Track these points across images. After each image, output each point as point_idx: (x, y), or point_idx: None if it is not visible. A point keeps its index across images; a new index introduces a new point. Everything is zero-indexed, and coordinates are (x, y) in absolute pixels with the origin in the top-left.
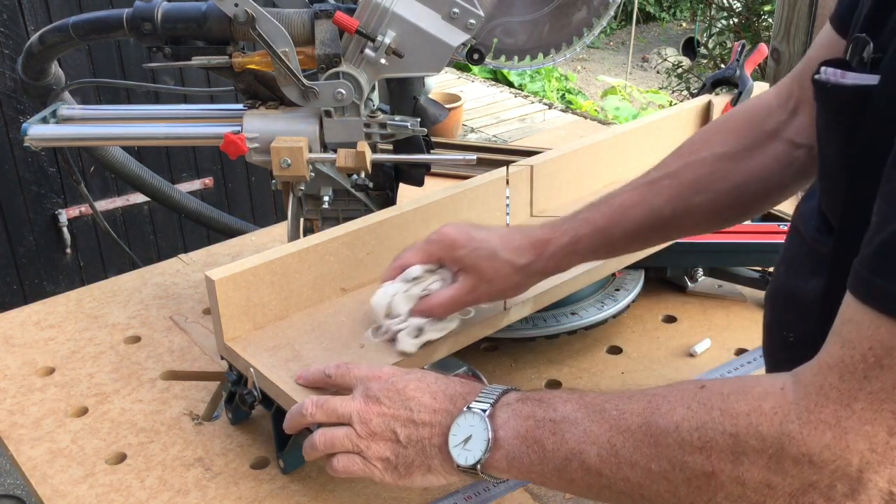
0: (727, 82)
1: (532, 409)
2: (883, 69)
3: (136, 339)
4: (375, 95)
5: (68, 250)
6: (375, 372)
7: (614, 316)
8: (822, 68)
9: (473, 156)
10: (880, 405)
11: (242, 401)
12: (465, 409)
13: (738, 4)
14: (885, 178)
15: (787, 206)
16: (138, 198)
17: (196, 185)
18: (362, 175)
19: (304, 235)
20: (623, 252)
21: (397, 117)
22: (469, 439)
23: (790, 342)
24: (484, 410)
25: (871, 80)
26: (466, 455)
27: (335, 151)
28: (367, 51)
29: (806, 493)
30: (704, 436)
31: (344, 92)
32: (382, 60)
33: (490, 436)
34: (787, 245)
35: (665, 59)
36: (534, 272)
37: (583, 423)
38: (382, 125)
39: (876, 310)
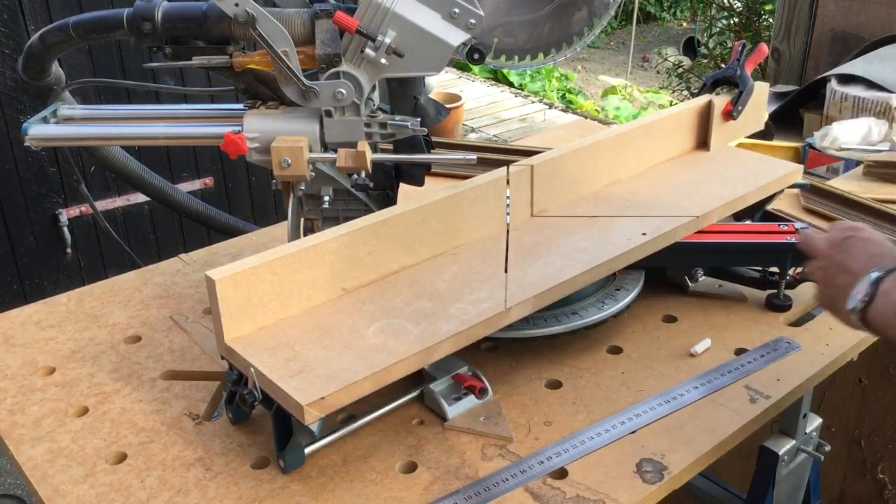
0: (728, 82)
1: None
2: None
3: (137, 338)
4: (376, 95)
5: (68, 250)
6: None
7: (615, 316)
8: None
9: (474, 156)
10: None
11: (243, 400)
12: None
13: (739, 4)
14: None
15: (788, 206)
16: (139, 197)
17: (196, 184)
18: (362, 175)
19: (305, 235)
20: None
21: (397, 117)
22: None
23: None
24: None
25: None
26: (853, 301)
27: (335, 151)
28: (368, 50)
29: None
30: None
31: (344, 92)
32: (383, 60)
33: (868, 292)
34: None
35: (665, 59)
36: None
37: None
38: (383, 125)
39: None
